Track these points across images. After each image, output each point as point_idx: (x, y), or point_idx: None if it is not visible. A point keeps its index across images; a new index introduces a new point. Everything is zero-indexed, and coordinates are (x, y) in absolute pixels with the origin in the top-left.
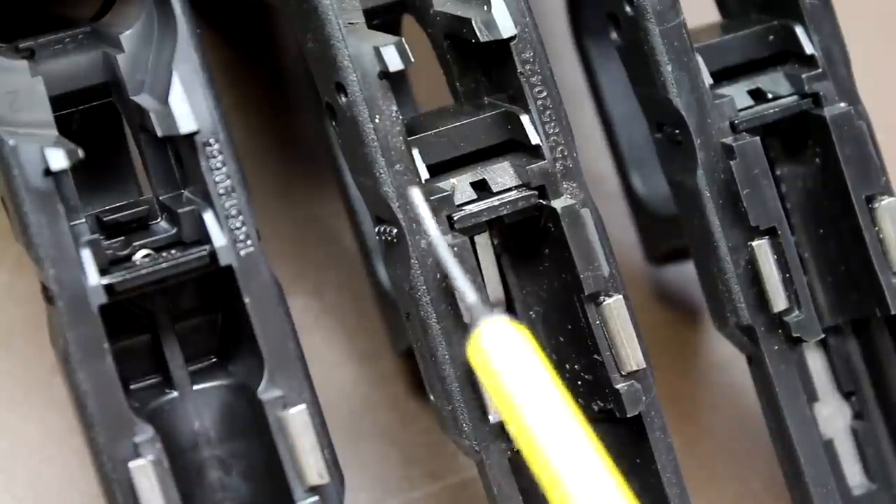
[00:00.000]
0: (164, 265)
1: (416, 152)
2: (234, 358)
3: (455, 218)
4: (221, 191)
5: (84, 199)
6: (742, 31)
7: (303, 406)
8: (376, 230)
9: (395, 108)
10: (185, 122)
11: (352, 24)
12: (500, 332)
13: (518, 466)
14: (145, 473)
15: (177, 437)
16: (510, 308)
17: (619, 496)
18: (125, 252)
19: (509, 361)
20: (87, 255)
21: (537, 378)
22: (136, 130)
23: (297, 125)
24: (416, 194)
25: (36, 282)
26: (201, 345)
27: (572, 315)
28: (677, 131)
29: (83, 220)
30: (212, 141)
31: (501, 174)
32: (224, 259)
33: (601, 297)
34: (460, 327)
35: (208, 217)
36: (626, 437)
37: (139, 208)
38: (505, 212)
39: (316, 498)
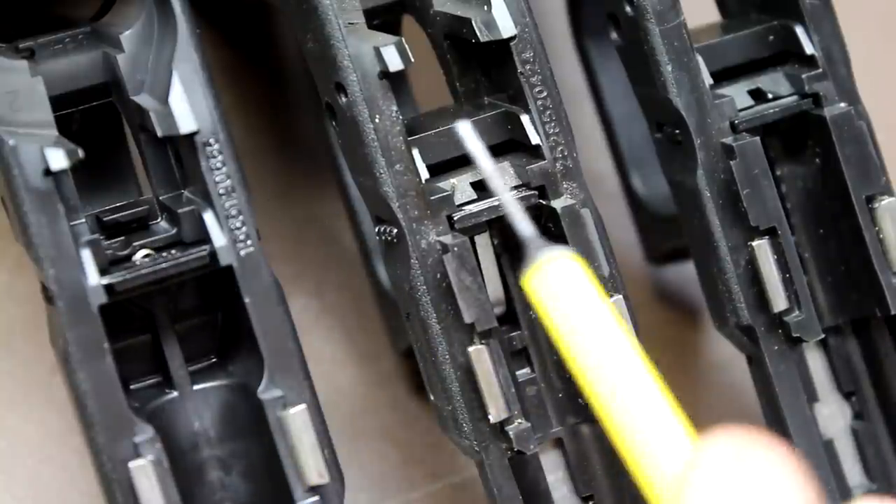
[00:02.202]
0: (164, 265)
1: (416, 152)
2: (234, 358)
3: (455, 218)
4: (221, 191)
5: (84, 199)
6: (742, 31)
7: (303, 406)
8: (376, 230)
9: (395, 108)
10: (185, 121)
11: (352, 24)
12: (561, 264)
13: (518, 466)
14: (145, 473)
15: (177, 437)
16: (510, 308)
17: (678, 428)
18: (125, 252)
19: (570, 293)
20: (87, 255)
21: (598, 309)
22: (136, 130)
23: (297, 125)
24: (464, 128)
25: (36, 282)
26: (201, 345)
27: None
28: (677, 131)
29: (83, 220)
30: (212, 141)
31: (501, 174)
32: (224, 259)
33: None
34: (460, 327)
35: (208, 217)
36: None
37: (139, 208)
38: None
39: (316, 498)
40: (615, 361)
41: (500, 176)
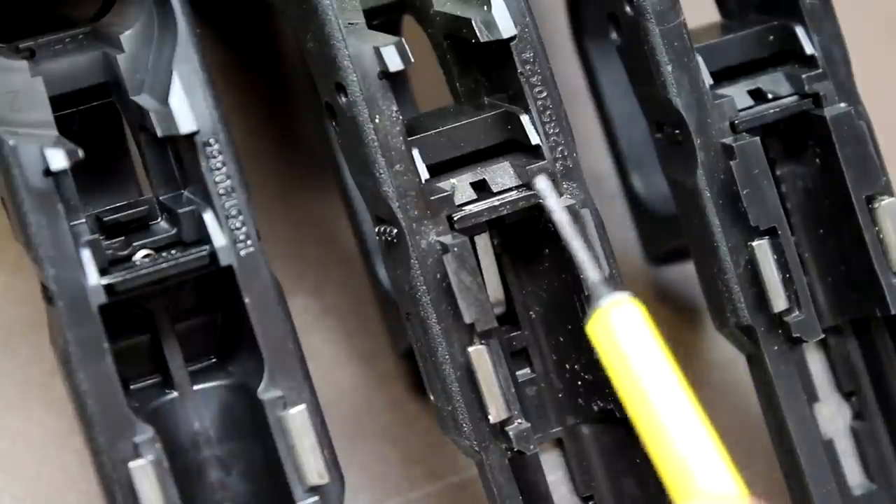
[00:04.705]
0: (164, 265)
1: (416, 152)
2: (234, 358)
3: (455, 218)
4: (221, 191)
5: (84, 199)
6: (742, 31)
7: (303, 406)
8: (376, 230)
9: (395, 108)
10: (185, 122)
11: (352, 24)
12: (623, 310)
13: (518, 466)
14: (145, 473)
15: (177, 437)
16: (510, 308)
17: (726, 469)
18: (125, 252)
19: (630, 339)
20: (87, 255)
21: (655, 356)
22: (136, 130)
23: (297, 125)
24: (542, 180)
25: (36, 282)
26: (201, 345)
27: (572, 315)
28: (677, 131)
29: (83, 220)
30: (212, 141)
31: (501, 174)
32: (224, 259)
33: None
34: (460, 327)
35: (208, 217)
36: (626, 437)
37: (139, 208)
38: (505, 212)
39: (316, 498)
40: (667, 400)
41: (572, 223)
